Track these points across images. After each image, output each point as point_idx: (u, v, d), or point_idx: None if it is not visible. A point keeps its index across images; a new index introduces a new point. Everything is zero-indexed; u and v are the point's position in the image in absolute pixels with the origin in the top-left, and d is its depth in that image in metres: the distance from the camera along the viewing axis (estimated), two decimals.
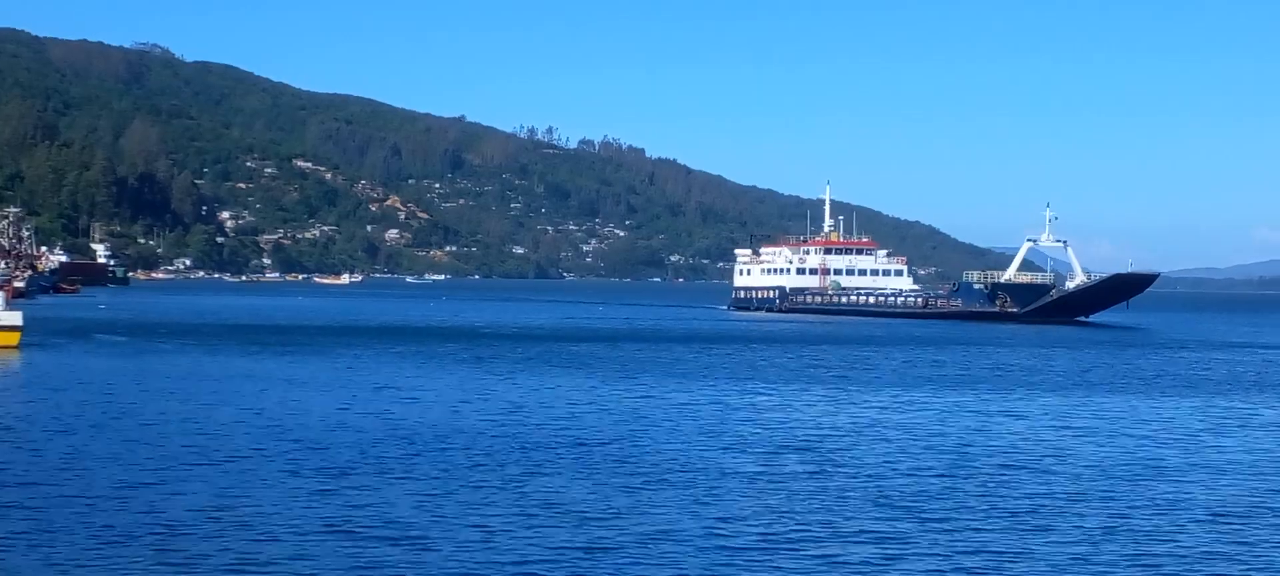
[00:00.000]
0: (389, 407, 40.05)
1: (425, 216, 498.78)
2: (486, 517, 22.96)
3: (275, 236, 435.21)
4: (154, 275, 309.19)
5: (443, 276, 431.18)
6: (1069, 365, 67.19)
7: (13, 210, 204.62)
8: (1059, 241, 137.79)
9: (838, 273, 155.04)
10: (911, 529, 22.94)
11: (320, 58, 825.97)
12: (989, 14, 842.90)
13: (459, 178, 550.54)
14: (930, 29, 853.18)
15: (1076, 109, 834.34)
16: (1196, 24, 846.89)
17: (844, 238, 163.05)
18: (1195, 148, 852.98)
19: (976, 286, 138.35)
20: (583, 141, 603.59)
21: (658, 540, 21.41)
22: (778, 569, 19.80)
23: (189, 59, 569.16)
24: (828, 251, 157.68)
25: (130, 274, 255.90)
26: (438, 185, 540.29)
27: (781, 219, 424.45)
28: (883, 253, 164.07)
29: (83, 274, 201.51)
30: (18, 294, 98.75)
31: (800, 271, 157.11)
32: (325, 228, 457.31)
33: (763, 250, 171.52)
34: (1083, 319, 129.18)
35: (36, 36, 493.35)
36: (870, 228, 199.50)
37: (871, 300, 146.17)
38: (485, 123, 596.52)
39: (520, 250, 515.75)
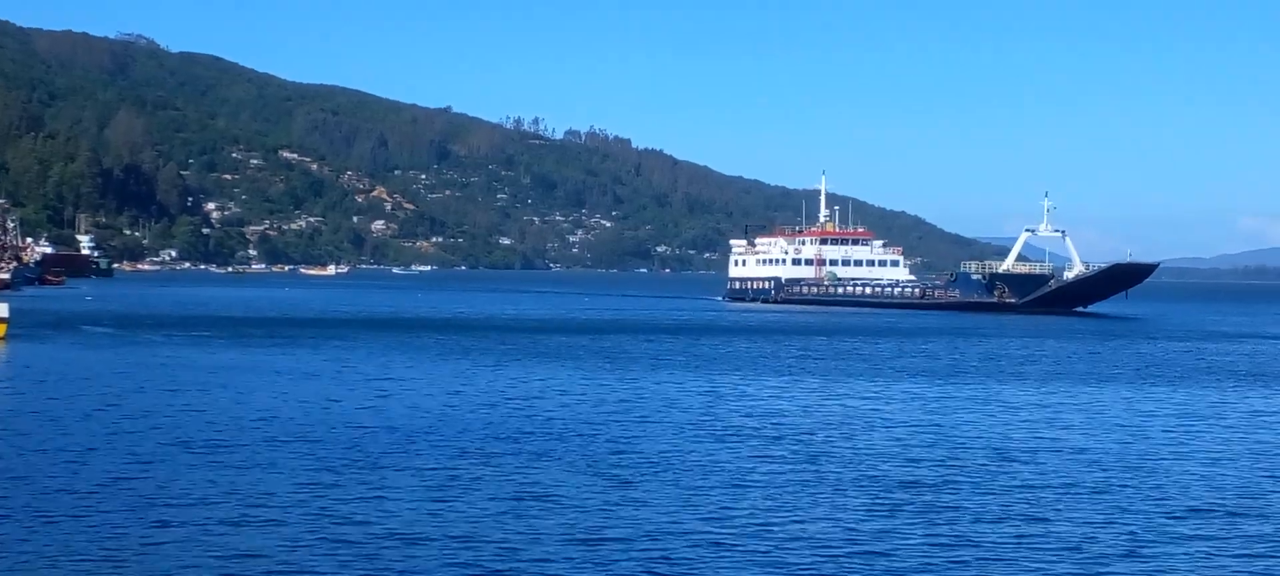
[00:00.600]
0: (378, 399, 39.88)
1: (412, 207, 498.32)
2: (477, 509, 22.81)
3: (261, 227, 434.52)
4: (139, 266, 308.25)
5: (429, 267, 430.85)
6: (1070, 354, 67.19)
7: None
8: (1057, 231, 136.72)
9: (833, 263, 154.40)
10: (905, 520, 22.83)
11: (306, 48, 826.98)
12: (973, 4, 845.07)
13: (445, 168, 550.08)
14: (915, 20, 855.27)
15: (1062, 99, 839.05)
16: (1181, 14, 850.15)
17: (839, 228, 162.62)
18: (1181, 138, 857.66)
19: (974, 277, 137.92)
20: (569, 132, 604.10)
21: (651, 532, 21.27)
22: (770, 560, 19.66)
23: (174, 50, 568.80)
24: (823, 242, 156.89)
25: (115, 265, 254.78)
26: (424, 176, 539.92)
27: (768, 209, 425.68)
28: (878, 243, 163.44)
29: (66, 265, 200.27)
30: (3, 286, 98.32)
31: (796, 262, 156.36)
32: (311, 219, 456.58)
33: (758, 241, 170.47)
34: (1081, 309, 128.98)
35: (21, 27, 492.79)
36: (856, 217, 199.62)
37: (868, 291, 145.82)
38: (471, 113, 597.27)
39: (507, 241, 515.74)
